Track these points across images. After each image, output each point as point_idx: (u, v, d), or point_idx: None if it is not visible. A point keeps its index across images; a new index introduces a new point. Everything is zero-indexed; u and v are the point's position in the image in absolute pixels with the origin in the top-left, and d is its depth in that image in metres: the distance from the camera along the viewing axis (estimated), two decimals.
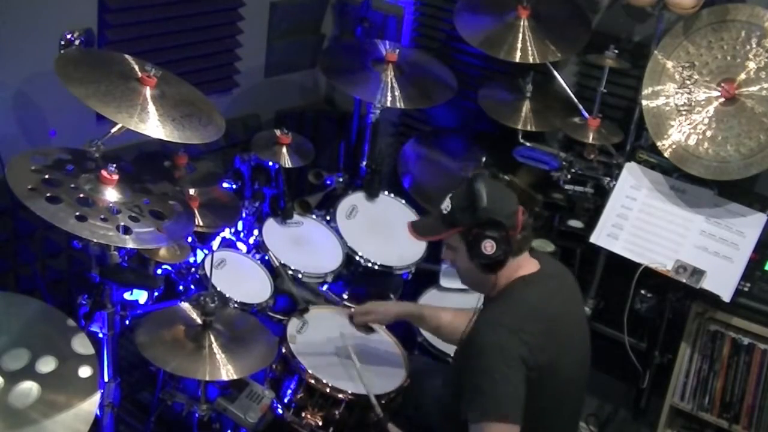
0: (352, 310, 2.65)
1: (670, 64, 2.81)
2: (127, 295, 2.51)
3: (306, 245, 3.09)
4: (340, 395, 2.42)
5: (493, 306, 2.14)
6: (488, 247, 2.05)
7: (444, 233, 2.17)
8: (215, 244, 2.98)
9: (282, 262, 2.90)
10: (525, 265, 2.17)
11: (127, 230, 2.19)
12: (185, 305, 2.51)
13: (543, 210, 3.19)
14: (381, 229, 3.24)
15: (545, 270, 2.19)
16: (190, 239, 2.78)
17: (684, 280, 2.72)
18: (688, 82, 2.78)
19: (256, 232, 3.04)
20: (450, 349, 2.77)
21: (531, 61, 3.03)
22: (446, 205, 2.14)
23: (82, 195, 2.22)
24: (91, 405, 2.18)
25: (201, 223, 2.83)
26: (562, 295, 2.21)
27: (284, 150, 3.08)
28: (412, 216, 3.31)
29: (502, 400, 1.97)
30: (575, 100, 3.08)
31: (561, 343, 2.10)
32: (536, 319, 2.06)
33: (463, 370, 2.05)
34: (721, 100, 2.73)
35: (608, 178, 3.01)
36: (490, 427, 1.96)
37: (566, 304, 2.22)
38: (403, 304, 2.68)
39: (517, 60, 3.03)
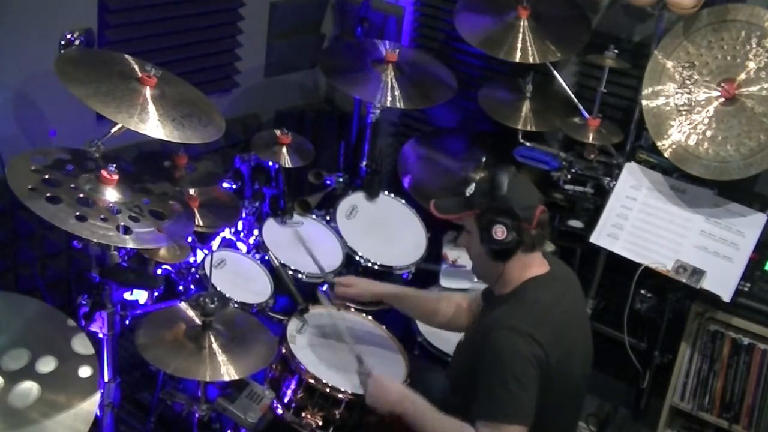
0: (336, 279, 2.67)
1: (670, 64, 2.81)
2: (127, 295, 2.51)
3: (306, 245, 3.09)
4: (340, 395, 2.42)
5: (507, 306, 2.14)
6: (498, 232, 2.09)
7: (460, 213, 2.21)
8: (215, 244, 2.98)
9: (282, 262, 2.90)
10: (536, 264, 2.19)
11: (127, 230, 2.19)
12: (185, 305, 2.51)
13: None
14: (381, 229, 3.24)
15: (554, 272, 2.22)
16: (190, 239, 2.78)
17: (684, 280, 2.72)
18: (688, 82, 2.78)
19: (256, 232, 3.04)
20: (449, 349, 2.77)
21: (531, 61, 3.03)
22: (470, 189, 2.19)
23: (82, 195, 2.22)
24: (91, 405, 2.18)
25: (201, 223, 2.84)
26: (570, 297, 2.23)
27: (284, 150, 3.08)
28: (412, 216, 3.31)
29: (516, 405, 2.01)
30: (575, 100, 3.08)
31: (569, 343, 2.12)
32: (548, 321, 2.08)
33: (476, 371, 2.07)
34: (721, 100, 2.73)
35: (608, 178, 3.02)
36: (500, 428, 2.01)
37: (573, 305, 2.24)
38: (384, 285, 2.67)
39: (517, 60, 3.03)
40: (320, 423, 2.43)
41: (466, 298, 2.53)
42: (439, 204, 2.31)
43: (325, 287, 2.95)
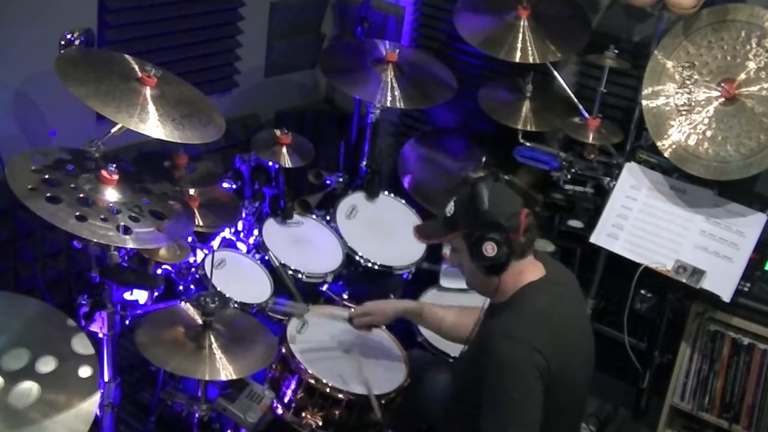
0: (351, 311, 2.65)
1: (670, 64, 2.81)
2: (127, 295, 2.51)
3: (306, 245, 3.09)
4: (340, 395, 2.42)
5: (505, 315, 2.13)
6: (489, 249, 2.06)
7: (447, 236, 2.19)
8: (215, 244, 2.98)
9: (282, 262, 2.90)
10: (531, 269, 2.17)
11: (127, 230, 2.19)
12: (185, 305, 2.51)
13: (543, 210, 3.19)
14: (381, 229, 3.24)
15: (551, 275, 2.20)
16: (190, 239, 2.78)
17: (684, 280, 2.72)
18: (688, 82, 2.78)
19: (256, 232, 3.04)
20: (450, 349, 2.77)
21: (531, 61, 3.03)
22: (450, 208, 2.15)
23: (82, 195, 2.22)
24: (91, 405, 2.17)
25: (201, 223, 2.84)
26: (569, 301, 2.22)
27: (284, 150, 3.08)
28: (412, 216, 3.31)
29: (521, 414, 2.01)
30: (575, 100, 3.08)
31: (569, 348, 2.11)
32: (548, 328, 2.07)
33: (479, 381, 2.06)
34: (721, 100, 2.73)
35: (608, 178, 3.01)
36: None
37: (573, 309, 2.23)
38: (402, 302, 2.68)
39: (517, 60, 3.03)
40: (320, 423, 2.43)
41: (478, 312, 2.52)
42: (422, 230, 2.32)
43: (325, 287, 2.96)
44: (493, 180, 2.12)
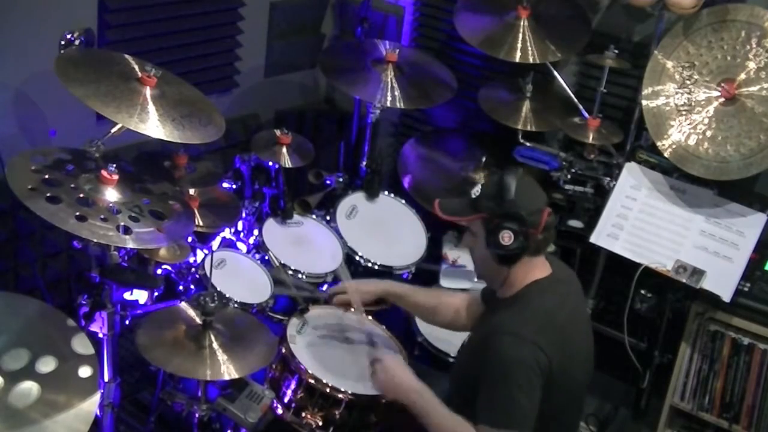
0: (329, 289, 2.66)
1: (670, 64, 2.81)
2: (127, 295, 2.51)
3: (306, 245, 3.09)
4: (340, 395, 2.41)
5: (511, 311, 2.14)
6: (506, 238, 2.08)
7: (467, 217, 2.19)
8: (215, 244, 2.98)
9: (282, 262, 2.90)
10: (539, 267, 2.18)
11: (127, 230, 2.19)
12: (185, 305, 2.51)
13: None
14: (381, 229, 3.24)
15: (557, 274, 2.21)
16: (190, 239, 2.78)
17: (684, 280, 2.72)
18: (688, 82, 2.78)
19: (256, 232, 3.04)
20: (450, 349, 2.77)
21: (531, 61, 3.03)
22: (476, 191, 2.17)
23: (82, 195, 2.22)
24: (91, 405, 2.17)
25: (201, 223, 2.84)
26: (572, 301, 2.23)
27: (284, 150, 3.08)
28: (412, 216, 3.31)
29: (518, 412, 2.01)
30: (575, 100, 3.08)
31: (571, 348, 2.12)
32: (552, 327, 2.08)
33: (478, 375, 2.06)
34: (721, 100, 2.73)
35: (608, 178, 3.02)
36: None
37: (575, 308, 2.23)
38: (381, 282, 2.63)
39: (517, 60, 3.03)
40: (320, 423, 2.43)
41: (466, 299, 2.52)
42: (444, 205, 2.29)
43: (325, 287, 2.95)
44: (523, 174, 2.14)
